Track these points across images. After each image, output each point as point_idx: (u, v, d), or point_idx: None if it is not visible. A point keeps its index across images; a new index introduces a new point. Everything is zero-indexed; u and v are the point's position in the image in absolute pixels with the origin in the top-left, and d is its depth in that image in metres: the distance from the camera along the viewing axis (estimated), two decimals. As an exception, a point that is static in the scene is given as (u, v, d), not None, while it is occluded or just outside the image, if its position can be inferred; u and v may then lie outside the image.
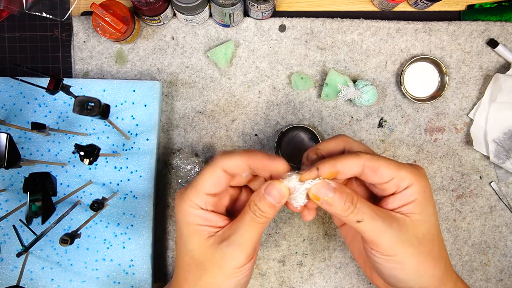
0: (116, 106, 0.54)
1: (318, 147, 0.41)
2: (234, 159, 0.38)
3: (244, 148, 0.57)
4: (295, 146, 0.56)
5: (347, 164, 0.37)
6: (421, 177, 0.38)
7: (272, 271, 0.57)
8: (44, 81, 0.53)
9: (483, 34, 0.56)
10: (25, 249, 0.42)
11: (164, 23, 0.56)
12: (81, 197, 0.54)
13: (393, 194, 0.38)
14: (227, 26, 0.56)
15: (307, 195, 0.38)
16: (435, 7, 0.58)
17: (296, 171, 0.38)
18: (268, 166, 0.38)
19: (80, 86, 0.54)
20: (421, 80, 0.57)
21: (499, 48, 0.56)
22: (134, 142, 0.54)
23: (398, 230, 0.37)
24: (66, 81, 0.54)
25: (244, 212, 0.38)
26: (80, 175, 0.54)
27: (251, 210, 0.37)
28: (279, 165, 0.38)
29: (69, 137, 0.54)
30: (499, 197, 0.57)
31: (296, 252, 0.56)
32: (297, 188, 0.37)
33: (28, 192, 0.42)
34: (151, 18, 0.53)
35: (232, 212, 0.43)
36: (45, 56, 0.57)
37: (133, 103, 0.54)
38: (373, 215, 0.36)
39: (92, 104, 0.38)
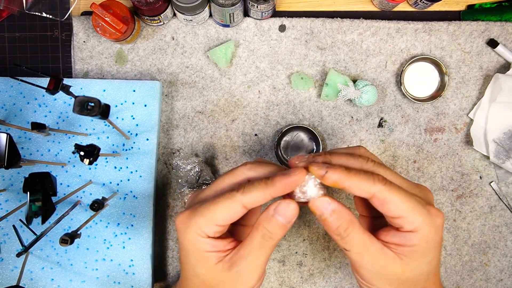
0: (116, 106, 0.54)
1: (329, 157, 0.37)
2: (256, 195, 0.35)
3: (243, 148, 0.57)
4: (295, 146, 0.56)
5: (356, 186, 0.34)
6: (431, 226, 0.35)
7: (272, 271, 0.57)
8: (44, 81, 0.53)
9: (483, 34, 0.56)
10: (25, 249, 0.42)
11: (164, 23, 0.56)
12: (81, 197, 0.54)
13: (396, 228, 0.36)
14: (227, 26, 0.56)
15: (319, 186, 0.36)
16: (435, 7, 0.58)
17: (312, 176, 0.35)
18: (289, 188, 0.35)
19: (80, 86, 0.54)
20: (421, 80, 0.57)
21: (499, 48, 0.56)
22: (134, 142, 0.54)
23: (381, 267, 0.35)
24: (66, 81, 0.54)
25: (252, 236, 0.36)
26: (80, 175, 0.54)
27: (260, 234, 0.35)
28: (299, 178, 0.35)
29: (69, 137, 0.54)
30: (499, 197, 0.57)
31: (296, 252, 0.56)
32: (307, 182, 0.36)
33: (28, 192, 0.42)
34: (151, 18, 0.53)
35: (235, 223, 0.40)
36: (45, 56, 0.57)
37: (133, 103, 0.54)
38: (360, 251, 0.35)
39: (92, 104, 0.38)
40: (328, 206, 0.35)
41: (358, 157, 0.37)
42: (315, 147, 0.56)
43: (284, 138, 0.56)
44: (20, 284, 0.53)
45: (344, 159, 0.37)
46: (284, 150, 0.56)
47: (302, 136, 0.56)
